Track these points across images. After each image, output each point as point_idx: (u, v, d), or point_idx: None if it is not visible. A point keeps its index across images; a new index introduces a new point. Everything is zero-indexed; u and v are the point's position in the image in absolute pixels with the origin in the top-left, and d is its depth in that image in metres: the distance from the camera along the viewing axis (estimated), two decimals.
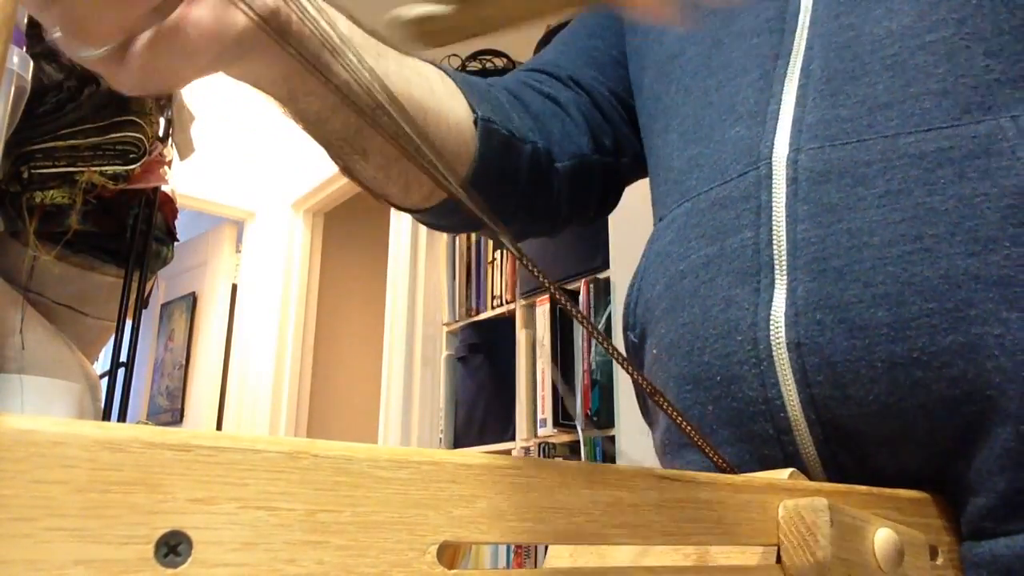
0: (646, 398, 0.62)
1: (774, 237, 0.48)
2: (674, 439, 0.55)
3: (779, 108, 0.50)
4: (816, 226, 0.46)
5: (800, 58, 0.51)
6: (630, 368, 0.38)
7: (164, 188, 1.94)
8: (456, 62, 2.73)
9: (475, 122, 0.54)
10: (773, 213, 0.48)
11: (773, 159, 0.49)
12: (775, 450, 0.47)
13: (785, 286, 0.47)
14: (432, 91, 0.51)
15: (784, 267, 0.47)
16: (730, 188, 0.51)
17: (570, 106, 0.65)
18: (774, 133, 0.50)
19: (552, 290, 0.37)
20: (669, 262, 0.55)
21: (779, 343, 0.46)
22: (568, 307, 0.36)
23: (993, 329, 0.41)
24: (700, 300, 0.51)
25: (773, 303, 0.47)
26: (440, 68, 0.55)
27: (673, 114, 0.59)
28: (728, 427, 0.49)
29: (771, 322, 0.46)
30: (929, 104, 0.45)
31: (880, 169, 0.45)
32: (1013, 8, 0.45)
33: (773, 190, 0.48)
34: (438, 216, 0.58)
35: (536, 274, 0.36)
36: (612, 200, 0.70)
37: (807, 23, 0.52)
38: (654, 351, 0.55)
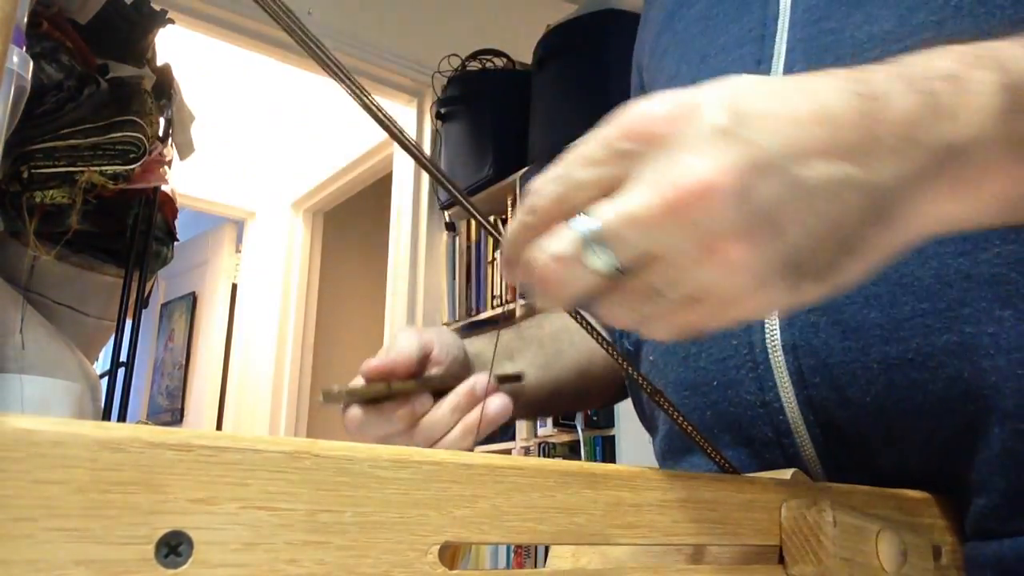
0: (644, 404, 0.62)
1: None
2: (675, 445, 0.55)
3: None
4: None
5: (782, 62, 0.51)
6: (632, 370, 0.38)
7: (164, 188, 1.94)
8: (456, 62, 2.73)
9: None
10: None
11: None
12: (775, 453, 0.47)
13: None
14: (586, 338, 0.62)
15: None
16: None
17: None
18: None
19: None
20: None
21: (775, 346, 0.46)
22: (576, 314, 0.36)
23: (987, 328, 0.41)
24: None
25: None
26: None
27: None
28: (727, 431, 0.49)
29: (766, 325, 0.47)
30: None
31: None
32: (991, 8, 0.45)
33: None
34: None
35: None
36: None
37: (786, 27, 0.52)
38: (651, 358, 0.55)
